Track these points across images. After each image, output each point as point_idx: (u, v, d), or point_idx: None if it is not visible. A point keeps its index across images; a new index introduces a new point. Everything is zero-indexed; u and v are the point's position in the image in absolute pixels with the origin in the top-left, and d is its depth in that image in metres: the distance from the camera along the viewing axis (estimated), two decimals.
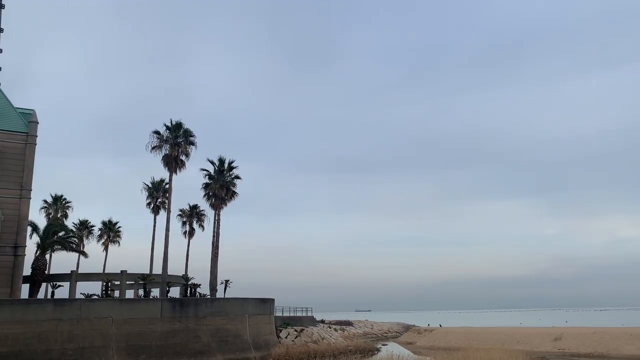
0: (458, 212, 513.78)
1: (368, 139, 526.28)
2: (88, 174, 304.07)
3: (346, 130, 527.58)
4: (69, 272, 52.70)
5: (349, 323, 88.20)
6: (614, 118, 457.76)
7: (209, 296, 51.58)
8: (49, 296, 52.58)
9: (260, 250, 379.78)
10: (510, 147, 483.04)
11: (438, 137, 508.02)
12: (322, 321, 78.28)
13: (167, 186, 55.84)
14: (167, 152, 52.03)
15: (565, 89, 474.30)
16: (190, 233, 65.69)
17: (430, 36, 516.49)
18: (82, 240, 64.44)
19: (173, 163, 52.01)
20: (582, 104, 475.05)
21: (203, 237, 67.08)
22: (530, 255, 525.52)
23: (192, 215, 66.00)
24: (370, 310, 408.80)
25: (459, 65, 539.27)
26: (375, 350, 56.89)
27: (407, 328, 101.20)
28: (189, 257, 64.13)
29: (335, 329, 73.91)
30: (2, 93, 47.85)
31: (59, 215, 64.11)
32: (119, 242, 68.11)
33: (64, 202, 65.56)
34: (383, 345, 67.14)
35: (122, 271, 52.80)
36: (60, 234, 52.03)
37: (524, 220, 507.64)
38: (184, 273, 58.97)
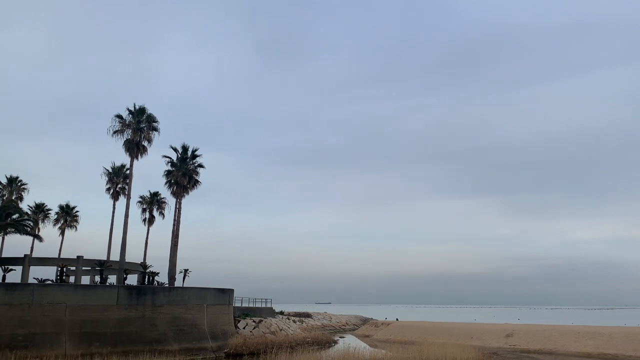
0: (419, 208, 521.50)
1: (335, 134, 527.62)
2: (46, 156, 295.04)
3: (313, 124, 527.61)
4: (22, 255, 51.23)
5: (307, 315, 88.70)
6: (573, 123, 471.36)
7: (167, 285, 51.01)
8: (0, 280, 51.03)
9: (221, 241, 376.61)
10: (471, 147, 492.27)
11: (401, 134, 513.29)
12: (281, 312, 78.51)
13: (128, 172, 54.78)
14: (129, 137, 51.02)
15: (528, 92, 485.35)
16: (150, 220, 64.68)
17: (401, 34, 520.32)
18: (38, 223, 62.51)
19: (135, 148, 51.05)
20: (544, 108, 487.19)
21: (163, 225, 66.17)
22: (487, 254, 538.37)
23: (153, 202, 64.98)
24: (330, 303, 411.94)
25: (427, 64, 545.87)
26: (332, 343, 57.43)
27: (365, 321, 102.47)
28: (148, 245, 63.23)
29: (294, 321, 74.25)
30: None
31: (13, 198, 62.09)
32: (76, 227, 66.43)
33: (19, 184, 63.50)
34: (341, 337, 67.82)
35: (78, 257, 51.66)
36: (14, 216, 50.45)
37: (481, 220, 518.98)
38: (142, 261, 58.09)
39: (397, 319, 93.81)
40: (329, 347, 51.15)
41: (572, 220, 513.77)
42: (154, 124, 52.36)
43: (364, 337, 69.83)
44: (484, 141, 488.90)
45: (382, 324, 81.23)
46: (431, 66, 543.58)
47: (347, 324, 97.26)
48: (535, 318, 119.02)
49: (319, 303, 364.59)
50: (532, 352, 47.90)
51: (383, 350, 38.81)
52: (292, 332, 60.22)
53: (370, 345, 52.46)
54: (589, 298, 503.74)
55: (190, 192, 55.38)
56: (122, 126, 51.04)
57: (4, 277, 49.61)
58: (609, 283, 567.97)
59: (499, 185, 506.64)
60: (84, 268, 53.75)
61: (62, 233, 64.50)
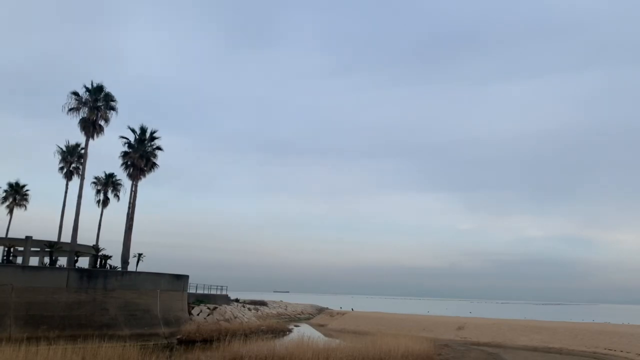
0: (381, 200, 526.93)
1: (298, 123, 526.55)
2: None
3: (278, 113, 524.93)
4: None
5: (263, 303, 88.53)
6: (530, 123, 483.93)
7: (119, 269, 49.86)
8: None
9: (178, 226, 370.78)
10: (431, 143, 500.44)
11: (364, 127, 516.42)
12: (237, 300, 78.06)
13: (83, 151, 53.08)
14: (85, 115, 49.33)
15: (489, 91, 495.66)
16: (105, 202, 63.00)
17: (369, 27, 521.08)
18: None
19: (90, 127, 49.44)
20: (503, 109, 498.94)
21: (118, 207, 64.33)
22: (443, 248, 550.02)
23: (108, 184, 63.25)
24: (288, 292, 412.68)
25: (393, 58, 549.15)
26: (287, 331, 57.48)
27: (321, 310, 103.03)
28: (101, 227, 61.55)
29: (249, 309, 73.97)
30: None
31: None
32: (25, 207, 64.04)
33: None
34: (295, 326, 68.00)
35: (27, 237, 49.88)
36: None
37: (441, 214, 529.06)
38: (94, 244, 56.61)
39: (352, 309, 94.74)
40: (283, 336, 51.17)
41: (527, 217, 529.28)
42: (112, 102, 50.81)
43: (318, 327, 70.22)
44: (444, 137, 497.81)
45: (338, 313, 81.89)
46: (397, 60, 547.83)
47: (302, 313, 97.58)
48: (487, 312, 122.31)
49: (276, 292, 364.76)
50: (481, 344, 49.15)
51: (337, 340, 39.07)
52: (247, 320, 59.95)
53: (325, 335, 52.78)
54: (539, 294, 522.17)
55: (147, 175, 54.14)
56: (78, 104, 49.31)
57: None
58: (559, 280, 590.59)
59: (459, 181, 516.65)
60: (32, 249, 51.96)
61: (11, 212, 62.12)
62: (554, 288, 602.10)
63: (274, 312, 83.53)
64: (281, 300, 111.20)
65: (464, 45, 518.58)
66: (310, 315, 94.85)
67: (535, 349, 46.25)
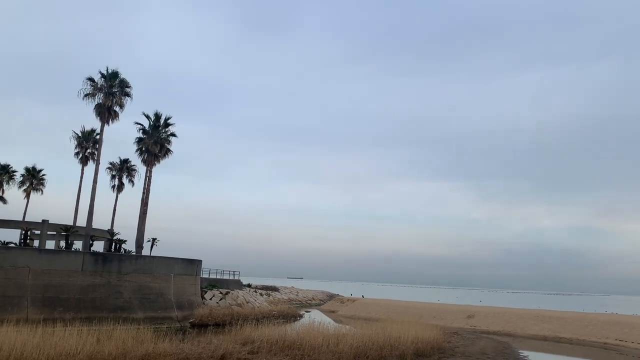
0: (394, 189, 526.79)
1: (313, 112, 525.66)
2: (15, 117, 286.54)
3: (293, 101, 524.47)
4: None
5: (275, 289, 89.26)
6: (547, 114, 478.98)
7: (134, 253, 50.58)
8: None
9: (192, 212, 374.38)
10: (446, 133, 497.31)
11: (379, 116, 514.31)
12: (249, 285, 78.80)
13: (98, 137, 53.68)
14: (100, 101, 49.83)
15: (502, 81, 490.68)
16: (119, 188, 63.70)
17: (382, 17, 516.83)
18: (2, 185, 60.99)
19: (106, 113, 49.95)
20: (517, 99, 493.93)
21: (133, 193, 65.14)
22: (456, 237, 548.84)
23: (123, 169, 63.91)
24: (302, 278, 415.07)
25: (408, 48, 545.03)
26: (298, 317, 58.05)
27: (331, 297, 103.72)
28: (116, 212, 62.34)
29: (261, 294, 74.66)
30: None
31: None
32: (42, 191, 64.93)
33: None
34: (306, 312, 68.59)
35: (43, 220, 50.73)
36: None
37: (454, 204, 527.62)
38: (109, 228, 57.39)
39: (362, 296, 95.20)
40: (294, 321, 51.69)
41: (539, 207, 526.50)
42: (127, 89, 51.23)
43: (329, 313, 70.75)
44: (459, 128, 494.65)
45: (348, 300, 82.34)
46: (409, 50, 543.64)
47: (313, 299, 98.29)
48: (497, 301, 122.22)
49: (290, 277, 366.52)
50: (491, 333, 49.27)
51: (347, 326, 39.35)
52: (258, 305, 60.59)
53: (335, 321, 53.20)
54: (551, 284, 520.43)
55: (161, 161, 54.67)
56: (94, 90, 49.80)
57: None
58: (571, 270, 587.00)
59: (473, 171, 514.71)
60: (49, 232, 52.85)
61: (28, 196, 63.04)
62: (566, 278, 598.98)
63: (286, 297, 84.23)
64: (292, 287, 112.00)
65: (478, 35, 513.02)
66: (321, 302, 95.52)
67: (545, 339, 46.29)
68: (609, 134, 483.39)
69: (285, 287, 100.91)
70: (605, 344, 42.05)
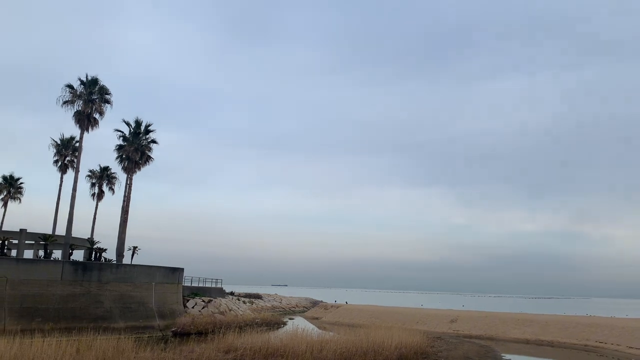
0: (376, 195, 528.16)
1: (295, 119, 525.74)
2: None
3: (276, 108, 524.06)
4: None
5: (258, 296, 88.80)
6: (521, 119, 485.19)
7: (114, 262, 49.93)
8: None
9: (174, 220, 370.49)
10: (425, 139, 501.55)
11: (361, 123, 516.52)
12: (232, 293, 78.30)
13: (77, 144, 52.98)
14: (80, 108, 49.19)
15: (480, 88, 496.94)
16: (100, 196, 62.91)
17: (364, 25, 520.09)
18: None
19: (85, 120, 49.32)
20: (494, 105, 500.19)
21: (113, 201, 64.42)
22: (436, 242, 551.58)
23: (103, 177, 63.16)
24: (286, 285, 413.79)
25: (387, 56, 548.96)
26: (281, 324, 57.79)
27: (315, 304, 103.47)
28: (96, 220, 61.53)
29: (244, 302, 74.23)
30: None
31: None
32: (20, 199, 63.83)
33: None
34: (290, 319, 68.32)
35: (21, 229, 49.80)
36: None
37: (434, 209, 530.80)
38: (89, 236, 56.60)
39: (346, 302, 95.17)
40: (277, 328, 51.45)
41: (519, 212, 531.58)
42: (107, 96, 50.69)
43: (313, 319, 70.57)
44: (438, 133, 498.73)
45: (332, 306, 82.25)
46: (391, 58, 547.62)
47: (297, 306, 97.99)
48: (479, 305, 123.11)
49: (274, 285, 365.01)
50: (474, 337, 49.58)
51: (331, 332, 39.31)
52: (241, 312, 60.21)
53: (319, 327, 53.07)
54: (532, 288, 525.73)
55: (142, 168, 54.11)
56: (73, 97, 49.18)
57: None
58: (552, 274, 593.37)
59: (452, 176, 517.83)
60: (27, 242, 51.95)
61: (5, 205, 61.93)
62: (547, 282, 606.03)
63: (269, 305, 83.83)
64: (276, 294, 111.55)
65: (456, 42, 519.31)
66: (305, 309, 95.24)
67: (527, 342, 46.73)
68: (587, 139, 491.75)
69: (269, 295, 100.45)
70: (585, 345, 42.60)
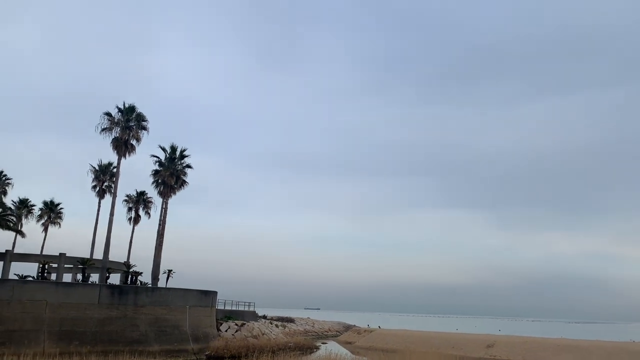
0: (408, 218, 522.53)
1: (326, 141, 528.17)
2: (33, 152, 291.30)
3: (306, 131, 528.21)
4: (4, 251, 50.63)
5: (290, 320, 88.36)
6: (559, 139, 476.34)
7: (150, 285, 50.63)
8: None
9: (207, 243, 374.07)
10: (459, 160, 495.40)
11: (392, 144, 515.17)
12: (264, 317, 78.17)
13: (115, 170, 54.46)
14: (117, 135, 50.73)
15: (518, 108, 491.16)
16: (136, 220, 64.18)
17: (395, 47, 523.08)
18: (21, 219, 61.79)
19: (123, 147, 50.76)
20: (532, 124, 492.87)
21: (149, 225, 65.46)
22: (472, 265, 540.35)
23: (139, 201, 64.51)
24: (319, 309, 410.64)
25: (420, 77, 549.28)
26: (314, 348, 57.33)
27: (348, 328, 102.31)
28: (132, 244, 62.73)
29: (277, 325, 73.98)
30: None
31: None
32: (59, 224, 65.76)
33: (3, 178, 62.75)
34: (323, 343, 67.71)
35: (60, 254, 51.15)
36: None
37: (469, 231, 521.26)
38: (126, 260, 57.64)
39: (379, 327, 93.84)
40: (310, 353, 51.07)
41: (557, 234, 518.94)
42: (143, 122, 52.13)
43: (345, 344, 69.77)
44: (472, 155, 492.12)
45: (365, 331, 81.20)
46: (423, 79, 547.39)
47: (329, 330, 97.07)
48: (517, 330, 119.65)
49: (307, 308, 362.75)
50: None
51: (365, 358, 38.88)
52: (274, 336, 60.02)
53: (352, 352, 52.48)
54: (571, 312, 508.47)
55: (177, 193, 55.19)
56: (111, 124, 50.75)
57: None
58: (592, 297, 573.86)
59: (487, 198, 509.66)
60: (66, 266, 53.24)
61: (45, 230, 63.85)
62: (587, 306, 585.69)
63: (301, 329, 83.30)
64: (308, 318, 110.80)
65: (489, 64, 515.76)
66: (338, 333, 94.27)
67: None
68: (626, 158, 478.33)
69: (301, 318, 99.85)
70: None
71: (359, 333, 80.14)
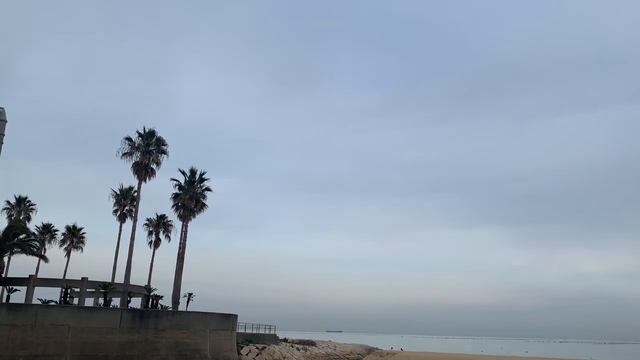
0: (429, 237, 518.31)
1: (345, 162, 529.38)
2: (55, 178, 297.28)
3: (324, 152, 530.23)
4: (27, 276, 51.14)
5: (312, 343, 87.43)
6: (585, 156, 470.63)
7: (170, 309, 50.61)
8: (4, 300, 50.78)
9: (227, 266, 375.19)
10: (481, 179, 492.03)
11: (412, 164, 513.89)
12: (285, 340, 77.44)
13: (136, 194, 54.99)
14: (138, 159, 51.35)
15: (538, 125, 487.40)
16: (156, 243, 64.54)
17: (411, 67, 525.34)
18: (44, 244, 62.60)
19: (143, 171, 51.33)
20: (555, 141, 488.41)
21: (169, 248, 65.89)
22: (496, 285, 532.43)
23: (159, 225, 64.93)
24: (341, 331, 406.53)
25: (437, 96, 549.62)
26: None
27: (370, 350, 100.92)
28: (152, 267, 62.94)
29: (298, 349, 73.20)
30: None
31: (21, 218, 62.37)
32: (82, 249, 66.45)
33: (27, 204, 63.85)
34: None
35: (82, 278, 51.48)
36: (21, 236, 50.48)
37: (492, 250, 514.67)
38: (146, 284, 57.77)
39: (401, 349, 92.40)
40: None
41: (583, 252, 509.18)
42: (163, 147, 52.73)
43: None
44: (494, 173, 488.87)
45: (387, 353, 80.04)
46: (441, 98, 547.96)
47: (351, 353, 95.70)
48: (544, 351, 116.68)
49: (329, 331, 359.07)
50: None
51: None
52: None
53: None
54: (599, 332, 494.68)
55: (197, 216, 55.49)
56: (132, 149, 51.44)
57: (8, 298, 49.47)
58: (620, 317, 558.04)
59: (510, 216, 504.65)
60: (88, 290, 53.48)
61: (68, 254, 64.51)
62: (614, 326, 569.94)
63: (323, 352, 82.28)
64: (330, 340, 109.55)
65: (509, 80, 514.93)
66: (360, 356, 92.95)
67: None
68: None
69: (323, 341, 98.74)
70: None
71: (381, 356, 79.01)
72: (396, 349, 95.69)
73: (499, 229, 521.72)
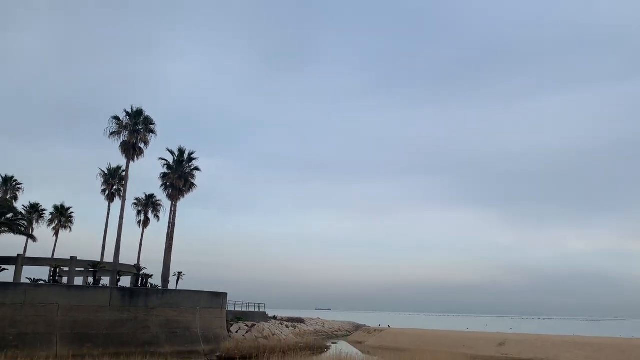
0: (417, 217, 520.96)
1: (334, 141, 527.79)
2: (43, 157, 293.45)
3: (314, 131, 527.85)
4: (16, 255, 51.13)
5: (300, 320, 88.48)
6: (569, 136, 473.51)
7: (160, 287, 50.95)
8: None
9: (217, 245, 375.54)
10: (468, 157, 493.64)
11: (399, 143, 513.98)
12: (275, 317, 78.37)
13: (124, 173, 54.85)
14: (126, 138, 51.10)
15: (525, 104, 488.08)
16: (145, 223, 64.63)
17: (400, 46, 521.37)
18: (32, 223, 62.40)
19: (131, 150, 51.12)
20: (541, 121, 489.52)
21: (158, 227, 66.03)
22: (482, 263, 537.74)
23: (148, 204, 64.95)
24: (330, 309, 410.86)
25: (426, 76, 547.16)
26: (324, 348, 57.35)
27: (358, 327, 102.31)
28: (142, 247, 63.11)
29: (287, 326, 74.12)
30: None
31: (8, 197, 61.98)
32: (70, 228, 66.34)
33: (14, 183, 63.43)
34: (333, 343, 67.72)
35: (71, 257, 51.59)
36: (8, 215, 50.29)
37: (479, 229, 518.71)
38: (136, 263, 58.02)
39: (389, 326, 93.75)
40: (321, 353, 51.11)
41: (568, 230, 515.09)
42: (151, 126, 52.48)
43: (356, 344, 69.75)
44: (481, 152, 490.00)
45: (375, 330, 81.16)
46: (430, 78, 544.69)
47: (339, 330, 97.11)
48: (528, 328, 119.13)
49: (318, 309, 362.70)
50: None
51: (375, 357, 38.93)
52: (284, 337, 60.17)
53: (362, 352, 52.50)
54: (583, 309, 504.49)
55: (185, 195, 55.53)
56: (119, 128, 51.13)
57: None
58: (604, 295, 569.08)
59: (497, 195, 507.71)
60: (77, 269, 53.66)
61: (56, 234, 64.39)
62: (599, 303, 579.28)
63: (312, 329, 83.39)
64: (319, 318, 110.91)
65: (494, 61, 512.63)
66: (348, 333, 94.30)
67: None
68: (635, 153, 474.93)
69: (311, 319, 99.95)
70: None
71: (369, 332, 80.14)
72: (384, 326, 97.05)
73: (485, 208, 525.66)
